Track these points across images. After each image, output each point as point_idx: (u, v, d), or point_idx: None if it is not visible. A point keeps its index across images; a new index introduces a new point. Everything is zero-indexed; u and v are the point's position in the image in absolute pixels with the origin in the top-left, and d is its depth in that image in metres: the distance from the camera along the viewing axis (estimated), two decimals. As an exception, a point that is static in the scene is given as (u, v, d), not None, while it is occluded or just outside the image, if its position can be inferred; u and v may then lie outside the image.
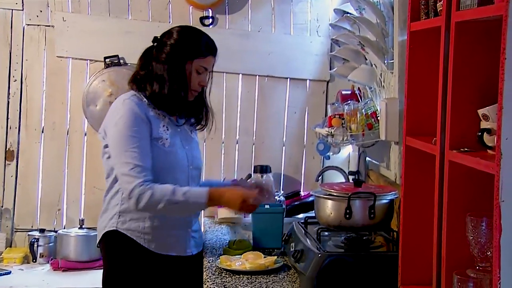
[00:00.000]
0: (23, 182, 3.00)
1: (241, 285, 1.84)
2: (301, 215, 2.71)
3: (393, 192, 1.94)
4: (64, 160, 3.02)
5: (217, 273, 1.95)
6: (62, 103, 3.01)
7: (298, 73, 3.05)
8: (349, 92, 2.72)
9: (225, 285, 1.84)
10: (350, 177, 2.64)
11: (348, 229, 1.92)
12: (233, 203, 1.93)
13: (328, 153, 2.81)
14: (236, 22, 3.03)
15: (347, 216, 1.86)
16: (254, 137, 3.08)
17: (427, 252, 1.45)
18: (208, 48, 2.03)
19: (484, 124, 1.27)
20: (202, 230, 2.84)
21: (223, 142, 3.07)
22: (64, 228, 2.96)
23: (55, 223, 3.01)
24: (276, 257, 2.03)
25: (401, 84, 2.11)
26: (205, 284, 1.89)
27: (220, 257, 2.05)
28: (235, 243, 2.19)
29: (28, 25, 2.97)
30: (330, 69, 2.97)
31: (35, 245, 2.85)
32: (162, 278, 1.99)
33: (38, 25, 2.98)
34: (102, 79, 2.95)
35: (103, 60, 2.97)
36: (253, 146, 3.08)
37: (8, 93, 2.98)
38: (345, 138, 2.39)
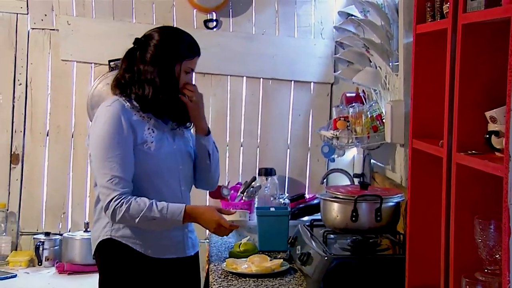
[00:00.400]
0: (28, 186, 3.01)
1: (247, 288, 1.84)
2: (306, 218, 2.70)
3: (400, 195, 1.93)
4: (69, 164, 3.02)
5: (223, 276, 1.95)
6: (66, 107, 3.02)
7: (302, 75, 3.05)
8: (354, 94, 2.72)
9: (231, 288, 1.84)
10: (355, 180, 2.64)
11: (354, 232, 1.91)
12: (209, 226, 1.94)
13: (332, 156, 2.81)
14: (240, 25, 3.04)
15: (353, 219, 1.85)
16: (258, 140, 3.08)
17: (434, 255, 1.45)
18: (195, 48, 2.01)
19: (491, 126, 1.26)
20: (207, 234, 2.85)
21: (227, 145, 3.07)
22: (69, 232, 2.96)
23: (60, 226, 3.02)
24: (282, 260, 2.02)
25: (406, 86, 2.11)
26: (211, 287, 1.89)
27: (226, 260, 2.04)
28: (241, 246, 2.18)
29: (33, 29, 2.98)
30: (335, 72, 2.97)
31: (41, 249, 2.85)
32: (162, 283, 1.96)
33: (42, 29, 2.99)
34: (107, 83, 2.95)
35: (107, 63, 2.97)
36: (258, 148, 3.08)
37: (13, 97, 2.99)
38: (350, 141, 2.39)
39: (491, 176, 1.16)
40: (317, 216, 2.40)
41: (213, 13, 3.02)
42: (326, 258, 1.76)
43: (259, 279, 1.90)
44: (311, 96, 3.07)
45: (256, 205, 2.75)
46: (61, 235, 2.93)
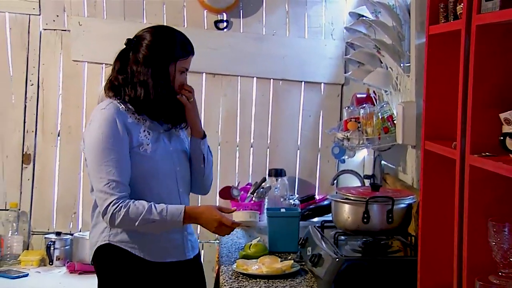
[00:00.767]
0: (39, 186, 3.02)
1: (258, 289, 1.84)
2: (316, 219, 2.70)
3: (411, 197, 1.92)
4: (79, 164, 3.03)
5: (233, 277, 1.95)
6: (77, 107, 3.03)
7: (313, 76, 3.05)
8: (364, 95, 2.71)
9: (242, 289, 1.84)
10: (366, 181, 2.63)
11: (366, 234, 1.91)
12: (210, 226, 1.91)
13: (343, 157, 2.80)
14: (250, 25, 3.03)
15: (365, 220, 1.85)
16: (268, 141, 3.07)
17: (447, 257, 1.44)
18: (188, 48, 1.98)
19: (506, 128, 1.25)
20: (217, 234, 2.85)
21: (237, 146, 3.07)
22: (80, 231, 2.98)
23: (71, 226, 3.03)
24: (292, 261, 2.02)
25: (418, 87, 2.10)
26: (222, 288, 1.89)
27: (237, 261, 2.04)
28: (251, 247, 2.18)
29: (45, 29, 3.00)
30: (345, 73, 2.96)
31: (52, 248, 2.86)
32: (162, 287, 1.93)
33: (54, 29, 3.00)
34: (118, 83, 2.96)
35: (118, 63, 2.97)
36: (268, 149, 3.07)
37: (25, 97, 3.01)
38: (361, 142, 2.39)
39: (505, 178, 1.16)
40: (328, 217, 2.40)
41: (224, 14, 3.02)
42: (337, 259, 1.76)
43: (269, 280, 1.90)
44: (321, 97, 3.06)
45: (266, 206, 2.75)
46: (71, 235, 2.94)
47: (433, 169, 1.56)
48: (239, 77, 3.05)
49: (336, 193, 1.98)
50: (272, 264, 1.97)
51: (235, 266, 2.00)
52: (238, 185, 2.96)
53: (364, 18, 2.54)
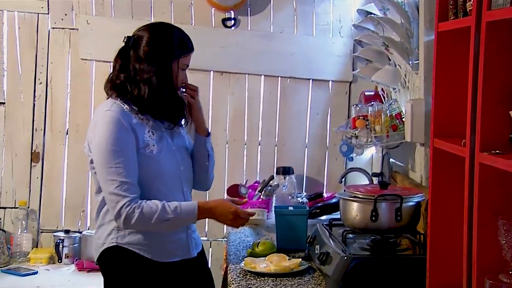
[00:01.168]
0: (48, 184, 3.04)
1: (266, 287, 1.83)
2: (324, 217, 2.69)
3: (420, 195, 1.91)
4: (88, 162, 3.04)
5: (241, 275, 1.95)
6: (85, 105, 3.04)
7: (321, 74, 3.04)
8: (373, 93, 2.70)
9: (250, 287, 1.84)
10: (374, 179, 2.62)
11: (374, 232, 1.90)
12: (225, 218, 1.92)
13: (351, 155, 2.79)
14: (258, 23, 3.03)
15: (373, 218, 1.84)
16: (276, 139, 3.07)
17: (456, 256, 1.43)
18: (189, 44, 1.97)
19: (516, 126, 1.24)
20: (225, 232, 2.85)
21: (245, 144, 3.07)
22: (88, 229, 2.99)
23: (79, 224, 3.04)
24: (300, 259, 2.02)
25: (426, 85, 2.09)
26: (230, 286, 1.89)
27: (245, 259, 2.04)
28: (259, 245, 2.18)
29: (53, 28, 3.01)
30: (353, 70, 2.95)
31: (61, 246, 2.88)
32: (168, 286, 1.93)
33: (62, 28, 3.01)
34: (126, 81, 2.97)
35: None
36: (275, 147, 3.07)
37: (34, 96, 3.02)
38: (369, 140, 2.38)
39: (515, 176, 1.15)
40: (336, 215, 2.40)
41: (231, 11, 3.02)
42: (345, 258, 1.76)
43: (277, 279, 1.90)
44: (329, 95, 3.05)
45: (274, 204, 2.75)
46: (80, 232, 2.96)
47: (442, 167, 1.55)
48: (246, 75, 3.05)
49: (344, 191, 1.97)
50: (280, 262, 1.97)
51: (243, 264, 2.00)
52: (246, 183, 2.96)
53: (372, 15, 2.53)
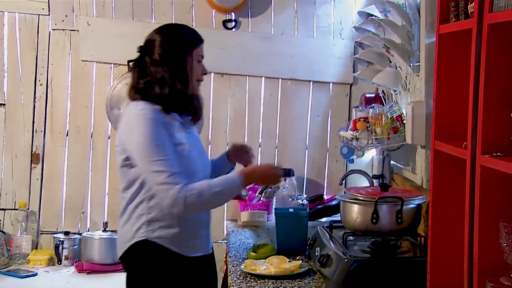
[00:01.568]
0: (48, 185, 3.03)
1: (266, 289, 1.83)
2: (324, 219, 2.69)
3: (421, 197, 1.91)
4: (88, 164, 3.05)
5: (241, 277, 1.94)
6: (86, 107, 3.04)
7: (321, 76, 3.04)
8: (373, 95, 2.70)
9: (250, 289, 1.83)
10: (375, 181, 2.62)
11: (375, 234, 1.89)
12: (266, 176, 2.02)
13: (351, 157, 2.79)
14: (259, 25, 3.03)
15: (374, 220, 1.83)
16: (277, 141, 3.07)
17: (457, 258, 1.42)
18: (197, 36, 2.06)
19: (518, 128, 1.24)
20: (225, 233, 2.85)
21: (245, 146, 3.06)
22: (88, 231, 2.99)
23: (79, 225, 3.04)
24: (301, 261, 2.01)
25: (427, 87, 2.09)
26: (230, 288, 1.88)
27: (245, 261, 2.04)
28: (259, 247, 2.17)
29: (54, 29, 3.01)
30: (354, 72, 2.95)
31: (60, 248, 2.87)
32: (191, 280, 1.98)
33: (63, 29, 3.01)
34: (126, 83, 2.95)
35: (126, 63, 2.96)
36: (276, 149, 3.07)
37: (34, 97, 3.02)
38: (370, 142, 2.37)
39: (517, 179, 1.14)
40: (336, 217, 2.39)
41: (232, 13, 3.02)
42: (346, 260, 1.75)
43: (278, 281, 1.89)
44: (330, 97, 3.05)
45: (274, 206, 2.74)
46: (80, 234, 2.95)
47: (442, 169, 1.55)
48: (247, 76, 3.04)
49: (345, 193, 1.97)
50: (280, 265, 1.96)
51: (243, 266, 2.00)
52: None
53: (373, 17, 2.52)
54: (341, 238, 1.92)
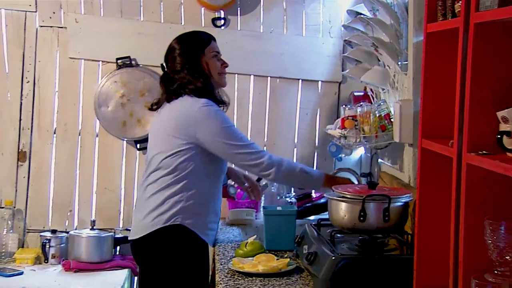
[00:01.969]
0: (35, 183, 3.01)
1: (254, 287, 1.83)
2: (312, 217, 2.69)
3: (408, 195, 1.92)
4: (75, 161, 3.03)
5: (229, 275, 1.94)
6: (74, 104, 3.02)
7: (310, 74, 3.04)
8: (362, 93, 2.71)
9: (238, 287, 1.83)
10: (363, 179, 2.63)
11: (362, 232, 1.90)
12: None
13: (340, 155, 2.79)
14: (248, 23, 3.03)
15: (361, 218, 1.84)
16: (265, 139, 3.07)
17: (443, 256, 1.43)
18: (206, 35, 2.31)
19: (503, 127, 1.25)
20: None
21: (234, 144, 3.06)
22: (76, 229, 2.97)
23: (66, 224, 3.02)
24: (288, 259, 2.02)
25: (415, 85, 2.10)
26: (218, 286, 1.88)
27: (233, 259, 2.04)
28: (247, 245, 2.17)
29: (41, 26, 2.99)
30: (343, 71, 2.95)
31: (47, 246, 2.85)
32: (206, 268, 2.19)
33: (51, 26, 2.99)
34: (114, 80, 2.96)
35: (115, 61, 2.97)
36: (265, 147, 3.06)
37: (21, 95, 2.99)
38: (358, 140, 2.38)
39: (502, 176, 1.15)
40: (324, 215, 2.40)
41: (221, 11, 3.01)
42: (333, 258, 1.76)
43: (265, 279, 1.89)
44: (318, 95, 3.06)
45: (262, 204, 2.74)
46: (67, 232, 2.93)
47: (429, 167, 1.56)
48: (236, 75, 3.04)
49: (333, 191, 1.97)
50: (268, 262, 1.96)
51: (231, 264, 2.00)
52: (234, 183, 2.95)
53: (362, 16, 2.53)
54: (329, 236, 1.92)
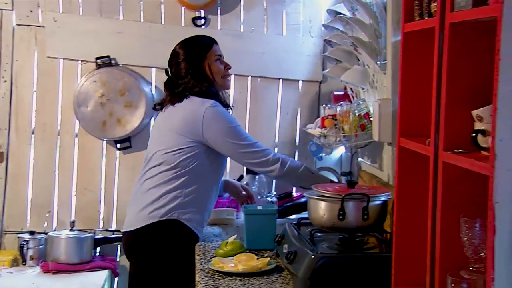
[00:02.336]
0: (13, 184, 2.97)
1: (234, 287, 1.83)
2: (293, 216, 2.70)
3: (386, 193, 1.93)
4: (54, 162, 2.99)
5: (209, 275, 1.94)
6: (52, 104, 2.99)
7: (291, 73, 3.05)
8: (342, 92, 2.72)
9: (218, 287, 1.83)
10: (343, 178, 2.64)
11: (342, 231, 1.91)
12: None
13: (320, 154, 2.80)
14: (228, 22, 3.02)
15: (341, 217, 1.85)
16: (246, 138, 3.06)
17: (421, 253, 1.45)
18: (208, 39, 2.40)
19: (478, 125, 1.26)
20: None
21: (215, 143, 3.05)
22: (55, 230, 2.93)
23: (45, 225, 2.99)
24: (269, 258, 2.02)
25: (394, 85, 2.11)
26: (198, 286, 1.88)
27: (213, 259, 2.03)
28: (228, 244, 2.17)
29: (18, 25, 2.95)
30: (323, 70, 2.96)
31: (25, 248, 2.82)
32: (193, 261, 2.20)
33: (28, 25, 2.95)
34: (94, 80, 2.93)
35: (94, 60, 2.94)
36: (246, 147, 3.06)
37: (-2, 94, 2.95)
38: (338, 139, 2.39)
39: (477, 174, 1.17)
40: (305, 214, 2.40)
41: (202, 10, 3.00)
42: (313, 256, 1.76)
43: (245, 278, 1.89)
44: (299, 94, 3.06)
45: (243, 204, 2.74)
46: (46, 234, 2.89)
47: (407, 166, 1.57)
48: (217, 74, 3.03)
49: (313, 190, 1.98)
50: (248, 262, 1.96)
51: (211, 264, 1.99)
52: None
53: (341, 15, 2.54)
54: (309, 235, 1.93)
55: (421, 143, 1.45)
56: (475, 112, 1.27)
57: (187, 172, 2.23)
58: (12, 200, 2.97)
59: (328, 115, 2.44)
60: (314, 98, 3.06)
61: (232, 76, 3.05)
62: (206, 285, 1.84)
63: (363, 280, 1.75)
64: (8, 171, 2.97)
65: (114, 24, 2.97)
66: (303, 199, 2.74)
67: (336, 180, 2.60)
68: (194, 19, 3.00)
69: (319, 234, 1.96)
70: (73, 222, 2.88)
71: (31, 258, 2.82)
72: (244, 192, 2.57)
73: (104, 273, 2.75)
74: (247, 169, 2.90)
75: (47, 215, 2.99)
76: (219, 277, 1.91)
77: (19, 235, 2.88)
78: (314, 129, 2.58)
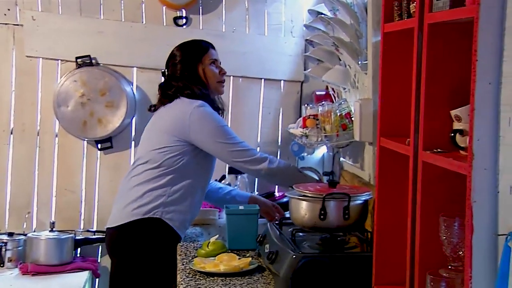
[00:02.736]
0: (-9, 185, 2.93)
1: (216, 287, 1.82)
2: (275, 216, 2.70)
3: (368, 193, 1.94)
4: (34, 162, 2.96)
5: (191, 275, 1.93)
6: (32, 104, 2.95)
7: (273, 73, 3.05)
8: (324, 92, 2.73)
9: (199, 287, 1.82)
10: (325, 178, 2.65)
11: (323, 230, 1.91)
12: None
13: (302, 154, 2.81)
14: (210, 22, 3.01)
15: (322, 217, 1.85)
16: (228, 138, 3.05)
17: (401, 253, 1.46)
18: (205, 43, 2.41)
19: (456, 125, 1.28)
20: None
21: (197, 143, 3.04)
22: (34, 231, 2.90)
23: (24, 226, 2.95)
24: (250, 258, 2.02)
25: (374, 85, 2.12)
26: (179, 286, 1.87)
27: (194, 259, 2.02)
28: (209, 244, 2.16)
29: (-4, 24, 2.90)
30: (305, 70, 2.97)
31: (3, 249, 2.77)
32: (174, 261, 2.18)
33: (6, 24, 2.91)
34: (74, 80, 2.90)
35: (74, 60, 2.91)
36: (228, 147, 3.05)
37: (-24, 94, 2.91)
38: (319, 139, 2.40)
39: (456, 174, 1.18)
40: (286, 214, 2.40)
41: (183, 10, 2.99)
42: (294, 256, 1.76)
43: (227, 278, 1.89)
44: (281, 94, 3.07)
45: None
46: (25, 235, 2.85)
47: (388, 165, 1.58)
48: (198, 74, 3.01)
49: (294, 190, 1.98)
50: (230, 262, 1.96)
51: (192, 264, 1.98)
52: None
53: (322, 15, 2.55)
54: (290, 234, 1.93)
55: (401, 143, 1.46)
56: (453, 112, 1.28)
57: (173, 171, 2.23)
58: (-10, 201, 2.93)
59: (310, 115, 2.45)
60: (296, 98, 3.06)
61: (214, 76, 3.04)
62: (187, 286, 1.83)
63: (345, 280, 1.76)
64: (-14, 172, 2.92)
65: (95, 23, 2.95)
66: (285, 199, 2.74)
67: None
68: (176, 19, 2.98)
69: (300, 234, 1.97)
70: (53, 223, 2.85)
71: (10, 260, 2.78)
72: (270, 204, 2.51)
73: (85, 274, 2.73)
74: (229, 168, 2.89)
75: (27, 216, 2.96)
76: (201, 277, 1.91)
77: (-3, 237, 2.84)
78: (296, 129, 2.59)
